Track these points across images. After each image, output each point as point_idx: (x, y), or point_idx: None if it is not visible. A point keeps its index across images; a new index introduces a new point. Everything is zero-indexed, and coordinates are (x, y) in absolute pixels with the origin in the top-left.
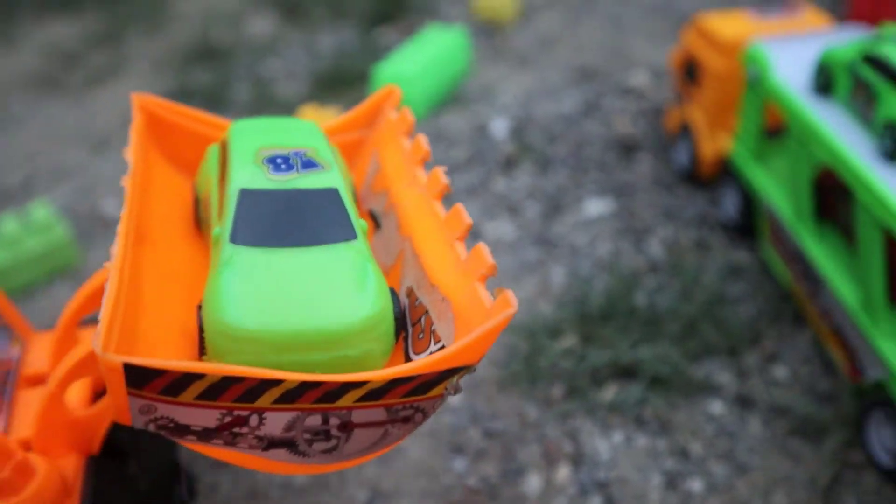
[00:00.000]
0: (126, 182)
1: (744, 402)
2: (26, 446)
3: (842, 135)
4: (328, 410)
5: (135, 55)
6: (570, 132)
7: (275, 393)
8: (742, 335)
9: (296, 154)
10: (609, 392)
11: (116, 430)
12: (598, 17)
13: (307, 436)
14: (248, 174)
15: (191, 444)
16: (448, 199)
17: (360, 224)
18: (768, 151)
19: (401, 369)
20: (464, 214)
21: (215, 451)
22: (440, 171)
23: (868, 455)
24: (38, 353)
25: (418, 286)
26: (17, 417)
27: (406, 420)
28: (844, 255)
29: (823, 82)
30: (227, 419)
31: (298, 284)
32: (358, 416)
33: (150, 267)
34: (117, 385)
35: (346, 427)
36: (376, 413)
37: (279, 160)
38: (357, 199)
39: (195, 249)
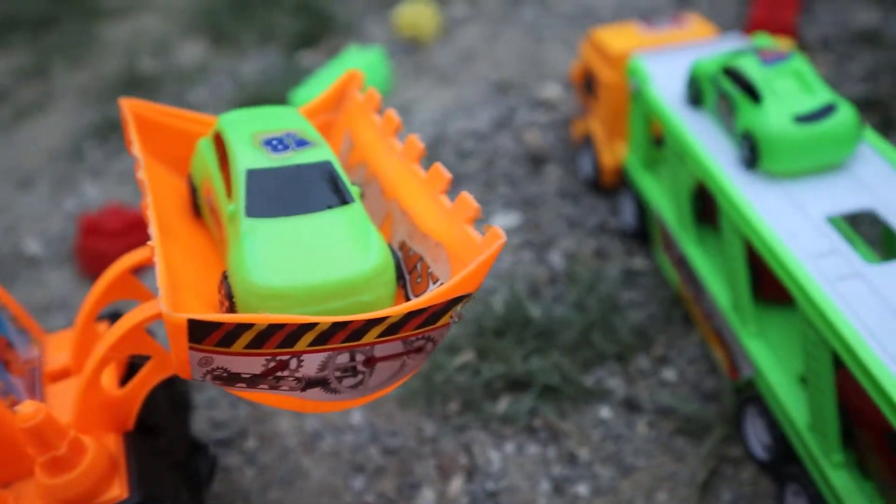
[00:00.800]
0: (142, 174)
1: (631, 406)
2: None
3: (707, 145)
4: (355, 348)
5: (62, 88)
6: (482, 148)
7: (310, 336)
8: (633, 341)
9: (288, 135)
10: (502, 404)
11: (145, 409)
12: (519, 28)
13: (338, 373)
14: (251, 156)
15: (240, 392)
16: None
17: (354, 189)
18: (657, 160)
19: (415, 302)
20: (443, 170)
21: (261, 395)
22: (416, 137)
23: (746, 449)
24: (56, 351)
25: (410, 238)
26: (51, 409)
27: (419, 350)
28: (719, 259)
29: (694, 94)
30: (272, 364)
31: (312, 245)
32: (379, 350)
33: (169, 248)
34: (180, 341)
35: (370, 362)
36: (394, 346)
37: (275, 141)
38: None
39: (199, 233)
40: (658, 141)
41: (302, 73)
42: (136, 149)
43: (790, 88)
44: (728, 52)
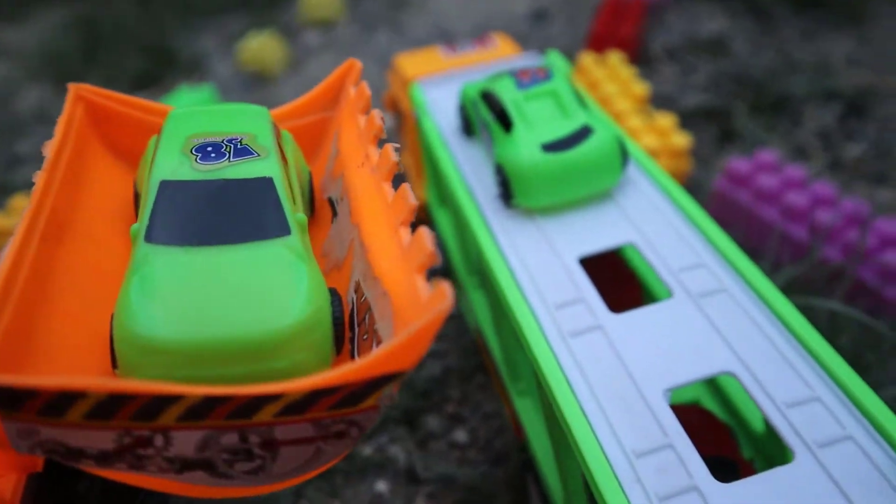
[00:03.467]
0: (38, 177)
1: (411, 477)
2: None
3: (469, 180)
4: (245, 427)
5: None
6: None
7: (177, 409)
8: (423, 401)
9: (229, 141)
10: None
11: None
12: (371, 55)
13: (225, 455)
14: (173, 164)
15: (92, 469)
16: None
17: (296, 218)
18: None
19: (319, 379)
20: (409, 196)
21: (122, 475)
22: (390, 149)
23: None
24: None
25: (364, 278)
26: None
27: (340, 435)
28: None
29: (465, 122)
30: (127, 440)
31: (219, 288)
32: (282, 433)
33: (69, 267)
34: None
35: (270, 445)
36: (302, 429)
37: (209, 148)
38: (316, 188)
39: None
40: None
41: None
42: (53, 145)
43: (544, 113)
44: (495, 74)
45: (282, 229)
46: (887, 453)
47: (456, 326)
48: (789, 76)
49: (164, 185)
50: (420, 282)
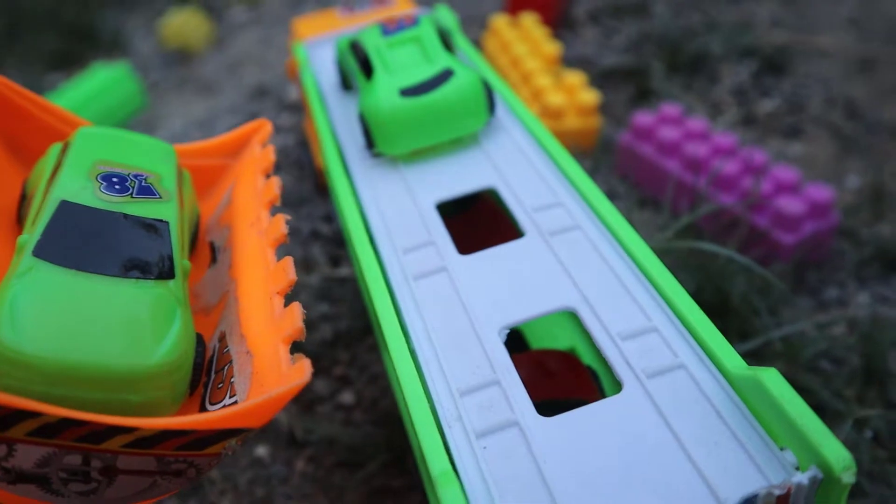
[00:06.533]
0: None
1: (292, 441)
2: None
3: (339, 131)
4: (91, 451)
5: None
6: None
7: (31, 425)
8: (313, 365)
9: (135, 176)
10: None
11: None
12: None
13: (63, 474)
14: (77, 186)
15: None
16: None
17: (182, 265)
18: None
19: (173, 422)
20: (290, 269)
21: None
22: (281, 219)
23: (413, 478)
24: None
25: (230, 333)
26: None
27: (178, 473)
28: None
29: (342, 77)
30: None
31: (95, 316)
32: (124, 462)
33: None
34: None
35: (110, 471)
36: (145, 462)
37: (115, 179)
38: (201, 229)
39: (9, 249)
40: None
41: (46, 93)
42: None
43: (406, 59)
44: (367, 26)
45: (168, 273)
46: (717, 380)
47: (352, 289)
48: (708, 36)
49: (64, 206)
50: (284, 353)
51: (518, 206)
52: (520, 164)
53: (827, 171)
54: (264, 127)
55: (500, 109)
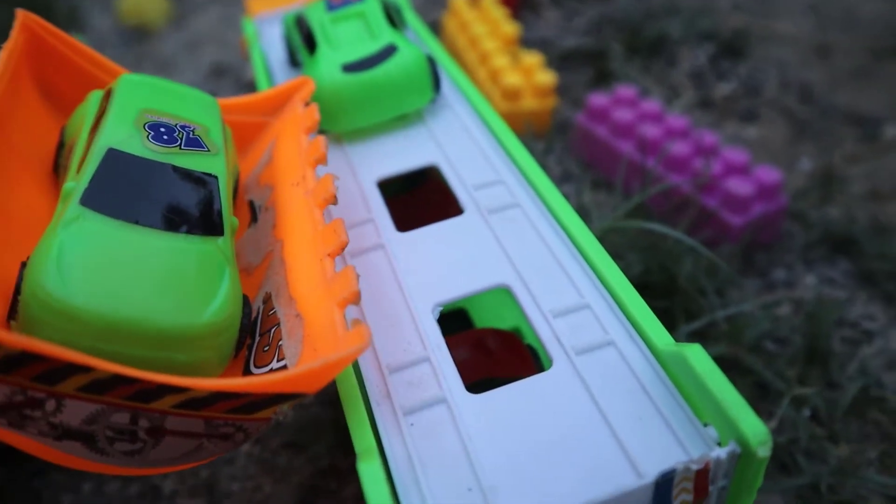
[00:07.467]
0: None
1: None
2: None
3: None
4: (140, 410)
5: None
6: None
7: (81, 380)
8: None
9: (183, 127)
10: None
11: None
12: None
13: (109, 433)
14: (124, 134)
15: None
16: None
17: (231, 221)
18: None
19: (228, 383)
20: (341, 231)
21: None
22: (330, 179)
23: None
24: None
25: (277, 295)
26: None
27: (225, 437)
28: None
29: (289, 52)
30: (18, 398)
31: (144, 270)
32: (172, 423)
33: None
34: None
35: (157, 432)
36: (194, 423)
37: (162, 129)
38: (239, 189)
39: (46, 197)
40: None
41: None
42: None
43: (349, 35)
44: (314, 1)
45: (217, 229)
46: (646, 357)
47: None
48: (668, 19)
49: (112, 154)
50: (339, 317)
51: (459, 183)
52: (463, 141)
53: (780, 155)
54: (307, 85)
55: (447, 87)
